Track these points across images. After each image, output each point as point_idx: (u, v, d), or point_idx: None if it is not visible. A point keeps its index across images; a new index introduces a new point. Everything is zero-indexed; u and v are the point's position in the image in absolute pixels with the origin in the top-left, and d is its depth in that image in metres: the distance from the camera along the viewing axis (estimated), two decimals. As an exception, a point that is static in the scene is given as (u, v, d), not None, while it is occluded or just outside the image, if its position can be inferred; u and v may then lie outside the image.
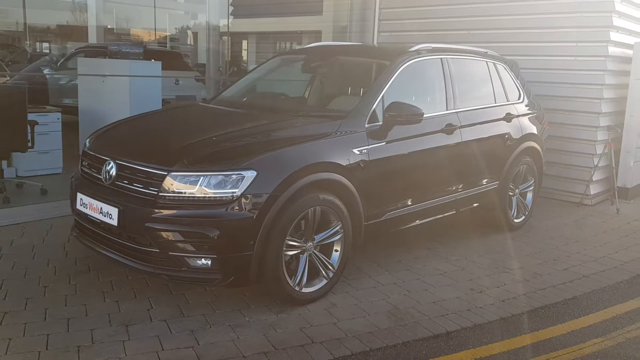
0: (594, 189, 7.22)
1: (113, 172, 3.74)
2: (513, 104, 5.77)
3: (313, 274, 3.94)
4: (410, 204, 4.57)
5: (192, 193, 3.44)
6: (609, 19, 6.79)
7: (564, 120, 7.17)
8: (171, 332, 3.42)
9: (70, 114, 8.47)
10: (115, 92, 7.49)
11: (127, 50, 7.56)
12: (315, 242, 3.90)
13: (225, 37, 12.26)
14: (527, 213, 6.03)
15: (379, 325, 3.67)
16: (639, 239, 5.85)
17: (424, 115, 4.53)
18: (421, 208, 4.67)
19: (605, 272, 4.88)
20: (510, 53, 7.02)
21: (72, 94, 9.17)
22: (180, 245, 3.45)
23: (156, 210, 3.45)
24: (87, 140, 4.30)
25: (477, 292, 4.29)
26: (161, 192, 3.47)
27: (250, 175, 3.47)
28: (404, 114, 4.25)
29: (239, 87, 5.29)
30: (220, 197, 3.43)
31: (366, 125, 4.21)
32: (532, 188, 6.07)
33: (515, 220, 5.90)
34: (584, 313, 4.04)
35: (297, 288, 3.79)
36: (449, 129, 4.84)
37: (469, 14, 7.82)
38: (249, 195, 3.45)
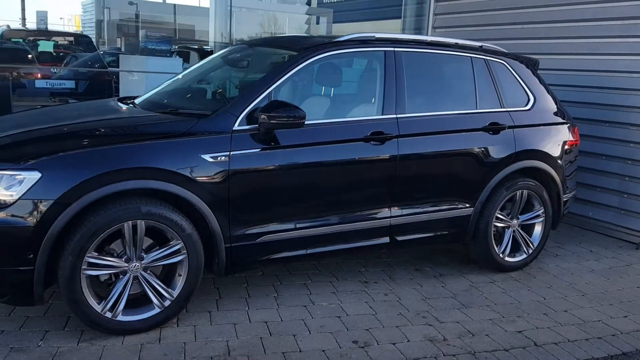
0: (662, 227, 5.56)
1: None
2: (509, 111, 4.53)
3: (147, 301, 3.35)
4: (304, 226, 3.72)
5: (-26, 193, 3.04)
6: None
7: (621, 136, 5.62)
8: (-59, 350, 3.06)
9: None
10: (138, 88, 7.49)
11: (153, 47, 7.45)
12: (144, 262, 3.29)
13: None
14: (529, 251, 4.72)
15: (177, 374, 2.96)
16: (680, 301, 4.29)
17: (335, 120, 3.80)
18: (324, 232, 3.79)
19: (575, 342, 3.57)
20: (568, 50, 6.07)
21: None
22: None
23: None
24: None
25: (358, 347, 3.34)
26: None
27: (32, 176, 2.98)
28: (281, 116, 3.44)
29: (168, 83, 4.77)
30: (-4, 200, 2.99)
31: (236, 127, 3.49)
32: (541, 219, 4.75)
33: (508, 259, 4.63)
34: (472, 399, 2.92)
35: (108, 315, 3.21)
36: (377, 138, 3.88)
37: (530, 3, 6.49)
38: (28, 201, 2.97)
